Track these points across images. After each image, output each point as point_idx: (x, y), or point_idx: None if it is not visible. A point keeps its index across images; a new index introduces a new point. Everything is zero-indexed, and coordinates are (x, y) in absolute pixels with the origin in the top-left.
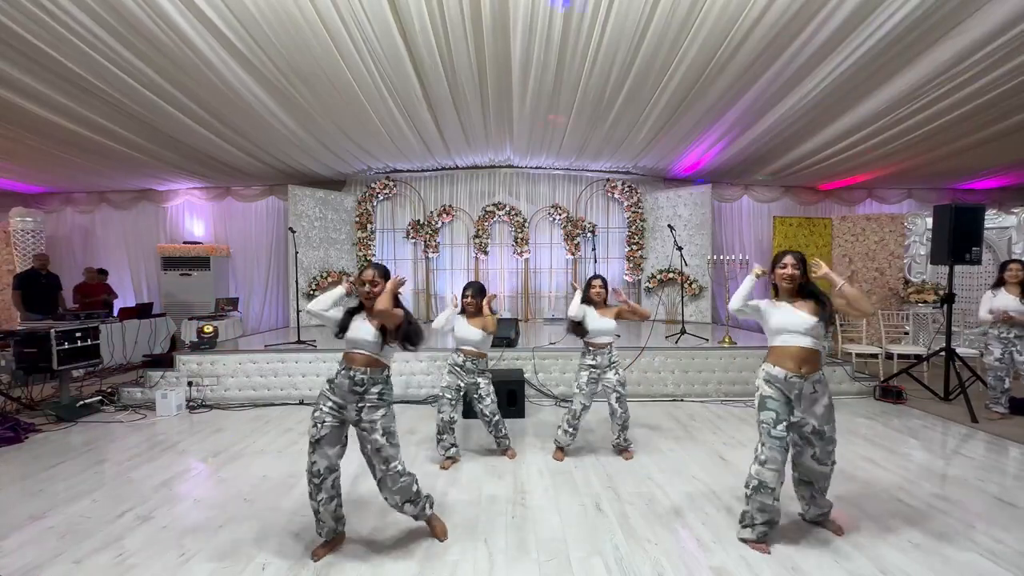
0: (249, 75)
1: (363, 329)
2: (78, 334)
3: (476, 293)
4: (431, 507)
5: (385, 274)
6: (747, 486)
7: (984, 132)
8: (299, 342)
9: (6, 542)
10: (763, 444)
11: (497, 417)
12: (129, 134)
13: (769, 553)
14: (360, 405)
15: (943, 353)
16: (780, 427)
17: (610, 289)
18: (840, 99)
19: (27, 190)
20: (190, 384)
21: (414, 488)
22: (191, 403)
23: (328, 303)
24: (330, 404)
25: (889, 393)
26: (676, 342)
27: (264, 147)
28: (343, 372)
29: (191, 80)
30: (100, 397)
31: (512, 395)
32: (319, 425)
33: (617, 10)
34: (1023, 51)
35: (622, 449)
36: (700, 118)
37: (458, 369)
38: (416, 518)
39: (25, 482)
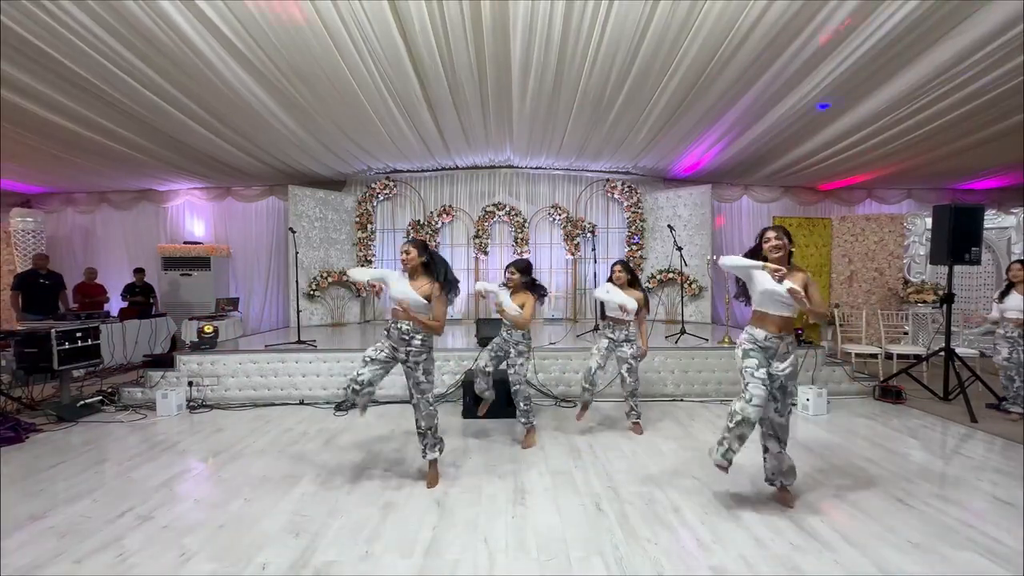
0: (249, 75)
1: (410, 294)
2: (78, 334)
3: (520, 269)
4: (439, 451)
5: (422, 246)
6: (730, 420)
7: (984, 132)
8: (299, 342)
9: (7, 542)
10: (748, 385)
11: (516, 387)
12: (130, 134)
13: (727, 472)
14: (408, 349)
15: (942, 353)
16: (761, 371)
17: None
18: (840, 99)
19: (27, 190)
20: (190, 384)
21: (436, 422)
22: (191, 403)
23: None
24: (389, 343)
25: (889, 393)
26: (676, 342)
27: (264, 147)
28: (393, 325)
29: (192, 80)
30: (100, 397)
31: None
32: (379, 351)
33: (617, 10)
34: (1022, 52)
35: (634, 421)
36: (700, 118)
37: (503, 334)
38: (424, 451)
39: (25, 482)
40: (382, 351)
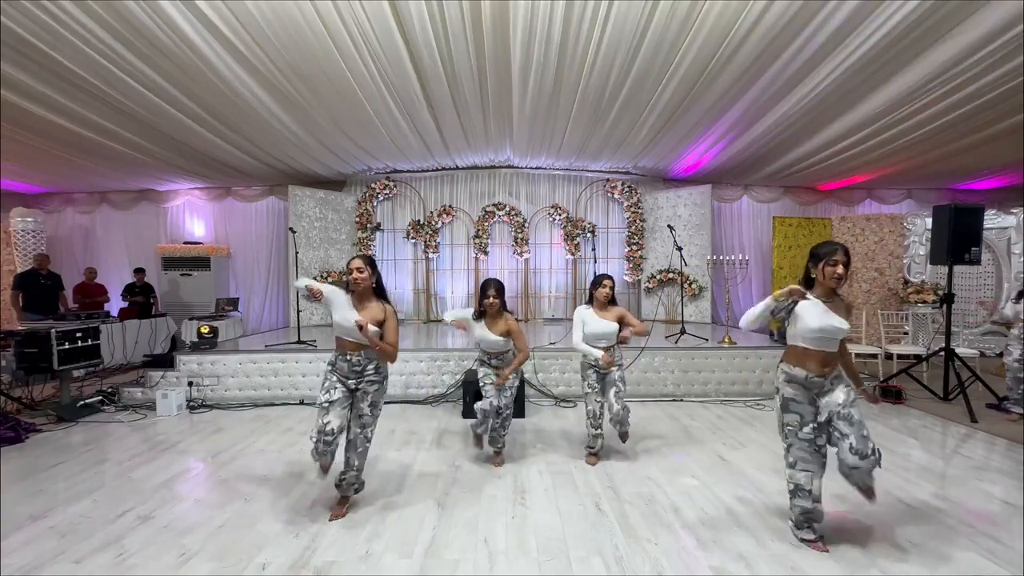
0: (250, 76)
1: (358, 321)
2: (78, 334)
3: (501, 291)
4: (358, 491)
5: (370, 263)
6: (789, 492)
7: (984, 132)
8: (299, 342)
9: (7, 542)
10: (791, 446)
11: (507, 413)
12: (130, 135)
13: (827, 551)
14: (359, 380)
15: (942, 353)
16: (806, 429)
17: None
18: (840, 99)
19: (27, 190)
20: (190, 384)
21: (365, 459)
22: (191, 403)
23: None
24: (336, 377)
25: (889, 393)
26: (676, 342)
27: (264, 147)
28: (340, 357)
29: (192, 81)
30: (101, 397)
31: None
32: (332, 390)
33: (617, 10)
34: (1022, 52)
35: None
36: (700, 118)
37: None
38: (340, 485)
39: (26, 482)
40: (336, 388)
